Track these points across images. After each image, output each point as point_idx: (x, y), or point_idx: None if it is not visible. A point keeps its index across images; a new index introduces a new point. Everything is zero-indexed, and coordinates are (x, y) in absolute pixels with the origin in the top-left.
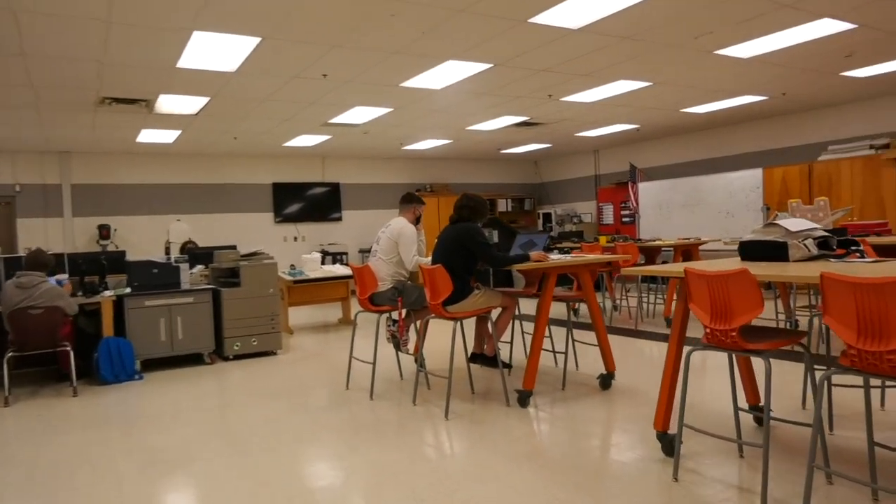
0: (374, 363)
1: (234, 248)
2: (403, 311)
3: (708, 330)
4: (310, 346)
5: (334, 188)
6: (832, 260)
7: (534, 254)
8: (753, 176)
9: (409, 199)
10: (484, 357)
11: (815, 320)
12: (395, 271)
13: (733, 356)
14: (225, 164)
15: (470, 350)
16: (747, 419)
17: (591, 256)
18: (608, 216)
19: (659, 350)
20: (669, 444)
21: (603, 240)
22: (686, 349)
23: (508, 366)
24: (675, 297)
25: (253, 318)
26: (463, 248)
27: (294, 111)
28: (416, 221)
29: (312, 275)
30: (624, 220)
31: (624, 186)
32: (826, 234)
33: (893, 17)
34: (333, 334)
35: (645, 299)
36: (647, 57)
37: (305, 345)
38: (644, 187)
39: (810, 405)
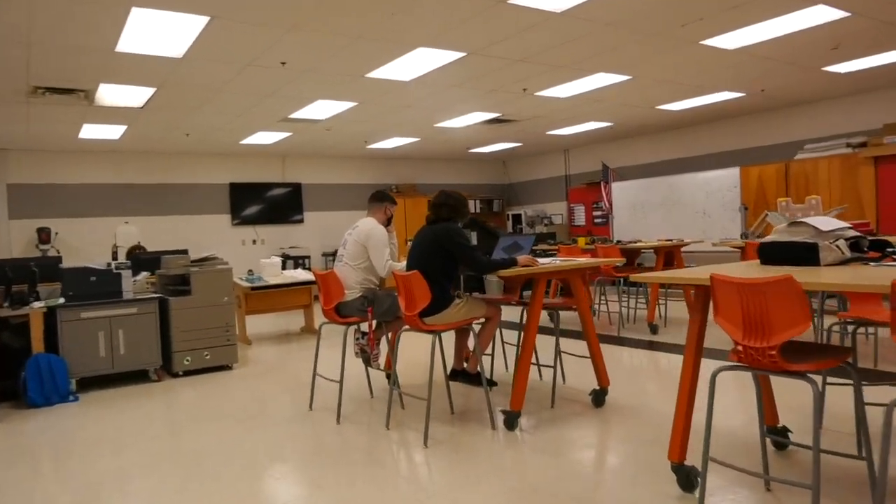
0: (340, 381)
1: (185, 252)
2: (374, 323)
3: (739, 347)
4: (269, 359)
5: (295, 188)
6: (871, 264)
7: (521, 258)
8: (730, 175)
9: (380, 198)
10: (466, 375)
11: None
12: (364, 278)
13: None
14: (177, 163)
15: (449, 366)
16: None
17: (583, 260)
18: (580, 217)
19: (648, 359)
20: (686, 478)
21: (582, 241)
22: (703, 362)
23: (493, 383)
24: (658, 301)
25: (205, 330)
26: (442, 251)
27: (250, 104)
28: (388, 222)
29: (272, 280)
30: (596, 221)
31: (596, 187)
32: (858, 234)
33: (887, 7)
34: (296, 344)
35: (625, 304)
36: (630, 48)
37: (265, 357)
38: (617, 187)
39: (829, 425)
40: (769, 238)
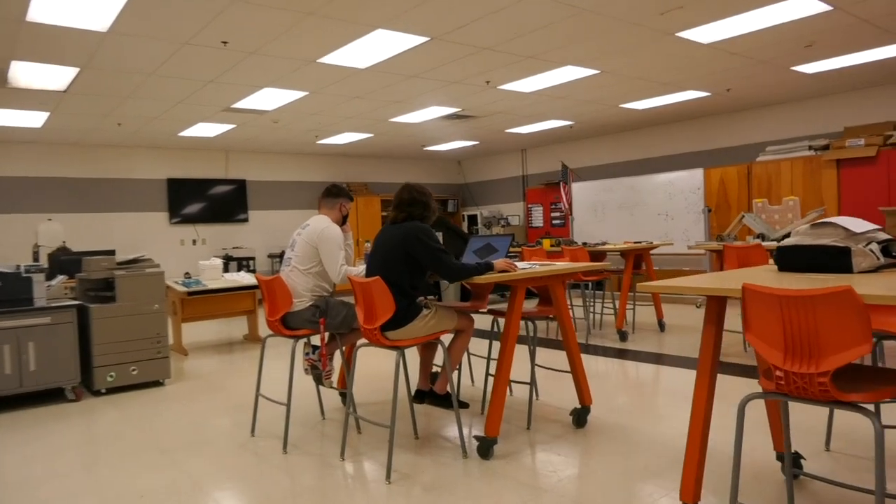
0: (288, 404)
1: (110, 253)
2: (326, 336)
3: (779, 373)
4: (208, 372)
5: (240, 185)
6: None
7: (498, 262)
8: (694, 177)
9: (335, 192)
10: (434, 395)
11: None
12: (316, 284)
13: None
14: (110, 156)
15: (413, 383)
16: (769, 464)
17: (564, 265)
18: (537, 218)
19: (621, 370)
20: None
21: (546, 243)
22: (682, 372)
23: (464, 405)
24: (627, 306)
25: (132, 341)
26: (408, 254)
27: (189, 91)
28: (343, 221)
29: (211, 284)
30: (554, 222)
31: (554, 187)
32: (889, 237)
33: (869, 3)
34: (238, 354)
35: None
36: (603, 38)
37: (203, 370)
38: (577, 188)
39: (835, 447)
40: (790, 241)
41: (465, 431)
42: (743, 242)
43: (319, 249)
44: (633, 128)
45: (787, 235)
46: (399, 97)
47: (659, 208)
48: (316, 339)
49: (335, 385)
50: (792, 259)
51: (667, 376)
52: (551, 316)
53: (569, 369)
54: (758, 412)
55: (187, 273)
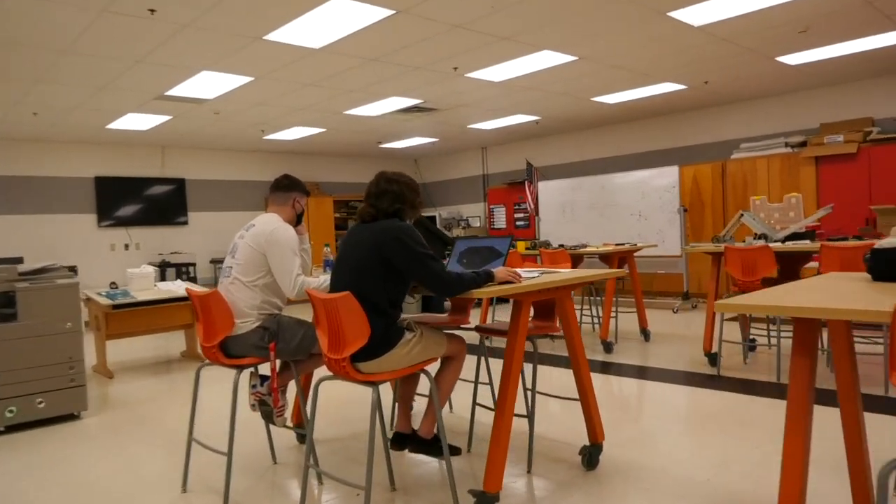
0: (228, 453)
1: (16, 261)
2: (278, 364)
3: None
4: (137, 400)
5: (178, 185)
6: None
7: (498, 271)
8: (669, 174)
9: (287, 185)
10: (418, 440)
11: None
12: (264, 300)
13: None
14: (27, 151)
15: (386, 418)
16: None
17: (581, 272)
18: (500, 219)
19: (615, 387)
20: None
21: (521, 246)
22: (674, 388)
23: (456, 450)
24: (611, 313)
25: (39, 368)
26: (385, 262)
27: (112, 73)
28: (298, 220)
29: (141, 296)
30: (518, 223)
31: (517, 187)
32: None
33: None
34: (176, 375)
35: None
36: (588, 15)
37: (131, 397)
38: (544, 187)
39: None
40: (886, 242)
41: (459, 485)
42: (744, 244)
43: (268, 256)
44: (602, 124)
45: (793, 236)
46: (356, 85)
47: (632, 208)
48: (265, 369)
49: (289, 423)
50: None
51: (669, 396)
52: (552, 335)
53: (575, 396)
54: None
55: (113, 283)
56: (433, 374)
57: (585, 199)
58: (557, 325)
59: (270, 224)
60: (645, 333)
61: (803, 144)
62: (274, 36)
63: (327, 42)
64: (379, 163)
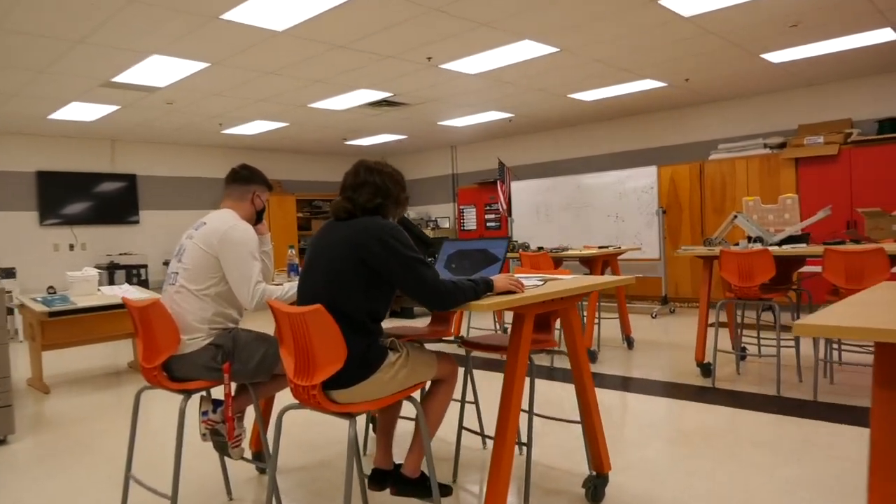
0: (173, 496)
1: None
2: (233, 387)
3: None
4: (75, 419)
5: (129, 181)
6: None
7: (498, 279)
8: (647, 175)
9: (246, 177)
10: (401, 478)
11: None
12: (217, 312)
13: None
14: None
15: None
16: None
17: (594, 279)
18: (470, 220)
19: (608, 403)
20: None
21: None
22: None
23: (447, 489)
24: (594, 321)
25: None
26: (366, 268)
27: (51, 55)
28: (258, 218)
29: (82, 302)
30: (489, 224)
31: (488, 187)
32: None
33: None
34: (123, 388)
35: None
36: (574, 3)
37: (68, 416)
38: (517, 187)
39: None
40: None
41: None
42: (739, 247)
43: (222, 259)
44: (578, 122)
45: (790, 239)
46: (322, 74)
47: (608, 209)
48: (218, 392)
49: (247, 453)
50: None
51: (667, 412)
52: (548, 350)
53: (576, 418)
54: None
55: (51, 288)
56: (420, 400)
57: (560, 199)
58: (554, 338)
59: (225, 222)
60: (628, 341)
61: (782, 146)
62: (231, 15)
63: (291, 24)
64: (343, 161)
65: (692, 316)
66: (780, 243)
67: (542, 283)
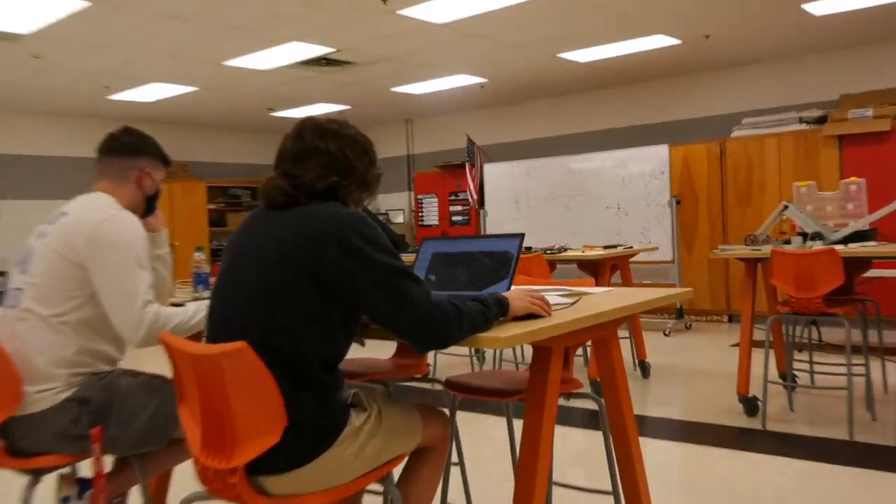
0: None
1: None
2: (108, 462)
3: None
4: None
5: None
6: None
7: (515, 296)
8: (656, 156)
9: (130, 147)
10: None
11: None
12: (83, 349)
13: None
14: None
15: None
16: None
17: (643, 295)
18: (431, 213)
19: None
20: None
21: None
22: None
23: None
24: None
25: None
26: (316, 285)
27: None
28: (148, 207)
29: None
30: (456, 218)
31: (455, 171)
32: None
33: None
34: None
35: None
36: None
37: None
38: (491, 172)
39: None
40: None
41: None
42: (792, 246)
43: (91, 268)
44: (569, 90)
45: (855, 236)
46: (241, 18)
47: (608, 199)
48: (86, 469)
49: None
50: None
51: (711, 466)
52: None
53: (607, 488)
54: None
55: None
56: (396, 482)
57: (546, 187)
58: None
59: (97, 212)
60: (643, 367)
61: (822, 120)
62: None
63: None
64: (272, 138)
65: (714, 333)
66: (844, 241)
67: (569, 299)
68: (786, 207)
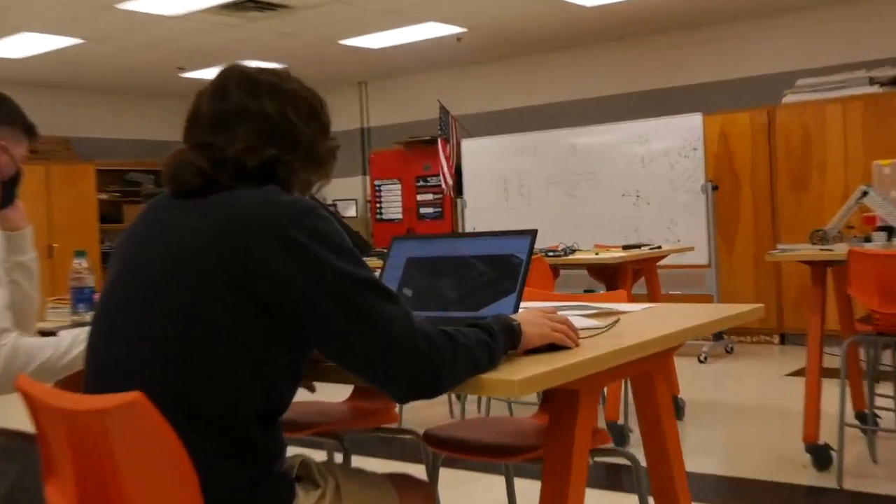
0: None
1: None
2: None
3: None
4: None
5: None
6: None
7: (528, 319)
8: (685, 128)
9: None
10: None
11: None
12: None
13: None
14: None
15: None
16: None
17: (701, 314)
18: (392, 205)
19: None
20: None
21: None
22: None
23: None
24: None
25: None
26: (251, 305)
27: None
28: (5, 195)
29: None
30: (425, 210)
31: (424, 148)
32: None
33: None
34: None
35: None
36: None
37: None
38: (471, 149)
39: None
40: None
41: None
42: (874, 244)
43: None
44: (571, 43)
45: None
46: None
47: (623, 185)
48: None
49: None
50: None
51: None
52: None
53: None
54: None
55: None
56: None
57: (543, 169)
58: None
59: None
60: (675, 405)
61: None
62: None
63: None
64: (180, 105)
65: (763, 358)
66: None
67: (600, 321)
68: (865, 194)
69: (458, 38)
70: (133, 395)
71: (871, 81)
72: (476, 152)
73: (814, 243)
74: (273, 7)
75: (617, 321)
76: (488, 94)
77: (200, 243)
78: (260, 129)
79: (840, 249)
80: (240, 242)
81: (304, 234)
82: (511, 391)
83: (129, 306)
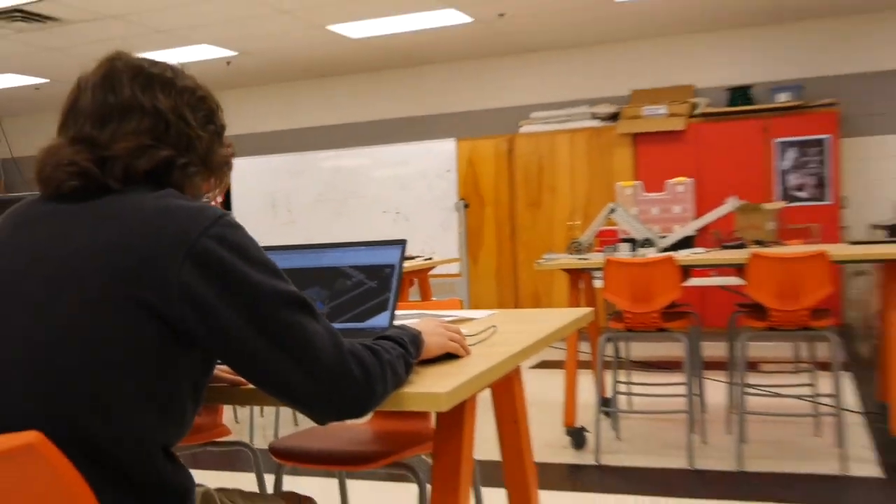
0: None
1: None
2: None
3: None
4: None
5: None
6: None
7: (428, 329)
8: (443, 152)
9: None
10: None
11: None
12: None
13: None
14: None
15: None
16: None
17: (553, 319)
18: None
19: None
20: None
21: None
22: None
23: None
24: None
25: None
26: (149, 320)
27: None
28: None
29: None
30: None
31: None
32: None
33: None
34: None
35: None
36: None
37: None
38: (242, 169)
39: None
40: None
41: None
42: (627, 253)
43: None
44: (337, 71)
45: (685, 242)
46: None
47: (385, 202)
48: None
49: None
50: None
51: None
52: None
53: None
54: None
55: None
56: None
57: (311, 188)
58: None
59: None
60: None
61: (615, 117)
62: None
63: None
64: None
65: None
66: (674, 248)
67: (482, 330)
68: (612, 210)
69: (228, 62)
70: (30, 436)
71: (593, 116)
72: (244, 171)
73: (571, 253)
74: (41, 18)
75: (494, 331)
76: (257, 117)
77: (91, 258)
78: (153, 127)
79: (595, 259)
80: (141, 257)
81: (216, 244)
82: (438, 404)
83: (4, 335)
